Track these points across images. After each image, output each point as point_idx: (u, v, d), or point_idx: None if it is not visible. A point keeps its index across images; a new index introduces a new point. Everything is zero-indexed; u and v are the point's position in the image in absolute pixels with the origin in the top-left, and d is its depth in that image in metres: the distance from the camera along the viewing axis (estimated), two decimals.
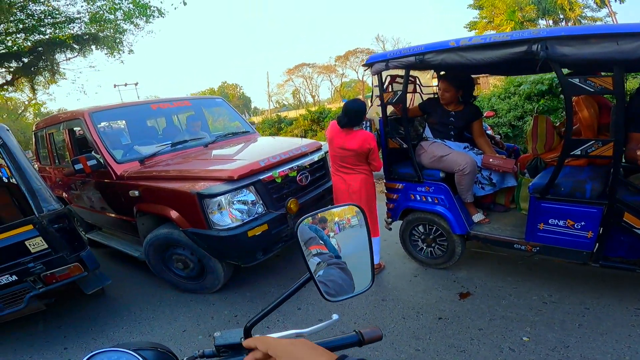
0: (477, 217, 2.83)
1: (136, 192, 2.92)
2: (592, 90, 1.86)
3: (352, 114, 2.64)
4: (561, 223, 2.30)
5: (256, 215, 2.60)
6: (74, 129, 3.62)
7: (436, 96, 3.35)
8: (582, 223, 2.19)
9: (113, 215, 3.51)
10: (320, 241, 0.75)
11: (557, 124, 3.14)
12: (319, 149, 3.38)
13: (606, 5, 19.97)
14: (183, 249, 2.90)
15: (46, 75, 13.16)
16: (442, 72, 3.34)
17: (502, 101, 7.18)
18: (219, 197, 2.44)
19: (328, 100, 41.38)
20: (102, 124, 3.52)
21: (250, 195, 2.58)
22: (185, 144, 3.56)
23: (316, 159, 3.20)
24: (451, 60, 2.23)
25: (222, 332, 0.73)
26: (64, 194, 4.40)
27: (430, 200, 2.83)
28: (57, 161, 4.23)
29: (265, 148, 3.38)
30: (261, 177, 2.65)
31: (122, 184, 3.07)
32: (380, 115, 2.96)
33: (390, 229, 3.31)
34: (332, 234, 0.77)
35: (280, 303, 0.73)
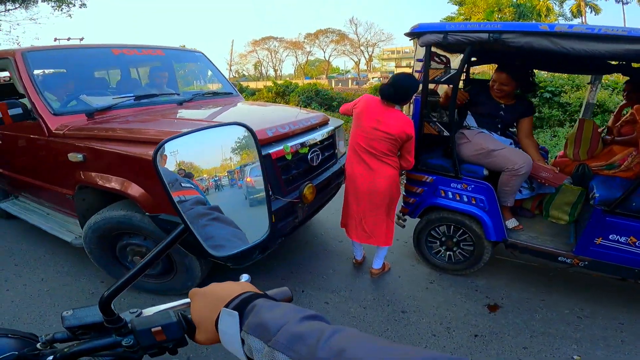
0: (512, 223, 2.47)
1: (79, 156, 2.07)
2: None
3: (403, 90, 2.09)
4: (623, 239, 2.02)
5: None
6: None
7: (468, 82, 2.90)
8: None
9: (39, 182, 2.58)
10: (186, 184, 0.58)
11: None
12: (327, 122, 2.75)
13: (581, 15, 21.27)
14: (144, 239, 2.12)
15: None
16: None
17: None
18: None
19: (290, 76, 40.21)
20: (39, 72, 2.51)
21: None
22: (153, 99, 2.69)
23: (326, 134, 2.56)
24: (538, 45, 1.89)
25: (73, 310, 0.57)
26: None
27: (465, 199, 2.38)
28: None
29: (266, 114, 2.64)
30: (271, 152, 1.95)
31: (58, 143, 2.18)
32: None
33: (403, 227, 2.84)
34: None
35: (146, 267, 0.57)
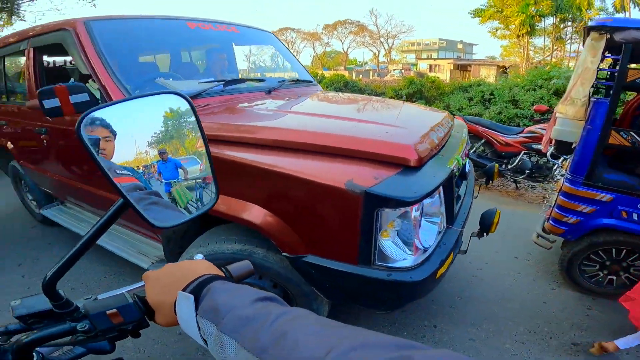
0: None
1: None
2: None
3: None
4: None
5: (440, 238, 1.39)
6: (45, 49, 2.30)
7: None
8: None
9: (101, 192, 2.09)
10: (122, 171, 0.53)
11: None
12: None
13: (625, 11, 19.65)
14: (259, 278, 1.63)
15: (3, 17, 10.98)
16: None
17: (527, 93, 6.59)
18: (407, 207, 1.16)
19: (307, 67, 39.48)
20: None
21: (436, 200, 1.34)
22: (238, 87, 2.18)
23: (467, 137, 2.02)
24: None
25: (22, 299, 0.53)
26: (8, 143, 2.91)
27: None
28: (5, 96, 2.81)
29: (395, 111, 2.07)
30: (452, 166, 1.42)
31: None
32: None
33: (550, 248, 2.39)
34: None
35: (87, 246, 0.53)
